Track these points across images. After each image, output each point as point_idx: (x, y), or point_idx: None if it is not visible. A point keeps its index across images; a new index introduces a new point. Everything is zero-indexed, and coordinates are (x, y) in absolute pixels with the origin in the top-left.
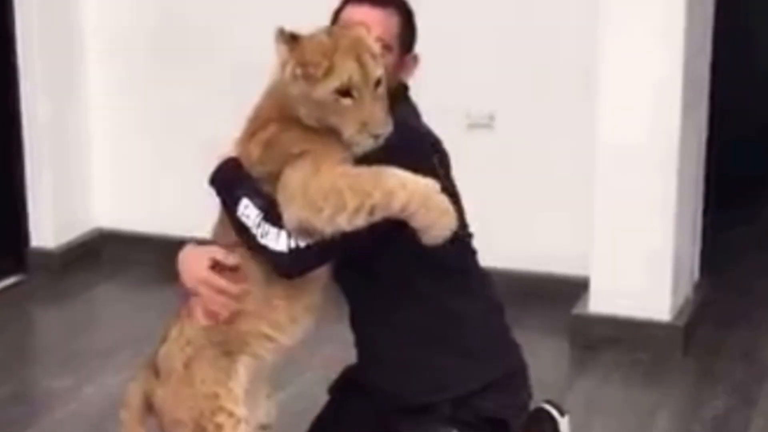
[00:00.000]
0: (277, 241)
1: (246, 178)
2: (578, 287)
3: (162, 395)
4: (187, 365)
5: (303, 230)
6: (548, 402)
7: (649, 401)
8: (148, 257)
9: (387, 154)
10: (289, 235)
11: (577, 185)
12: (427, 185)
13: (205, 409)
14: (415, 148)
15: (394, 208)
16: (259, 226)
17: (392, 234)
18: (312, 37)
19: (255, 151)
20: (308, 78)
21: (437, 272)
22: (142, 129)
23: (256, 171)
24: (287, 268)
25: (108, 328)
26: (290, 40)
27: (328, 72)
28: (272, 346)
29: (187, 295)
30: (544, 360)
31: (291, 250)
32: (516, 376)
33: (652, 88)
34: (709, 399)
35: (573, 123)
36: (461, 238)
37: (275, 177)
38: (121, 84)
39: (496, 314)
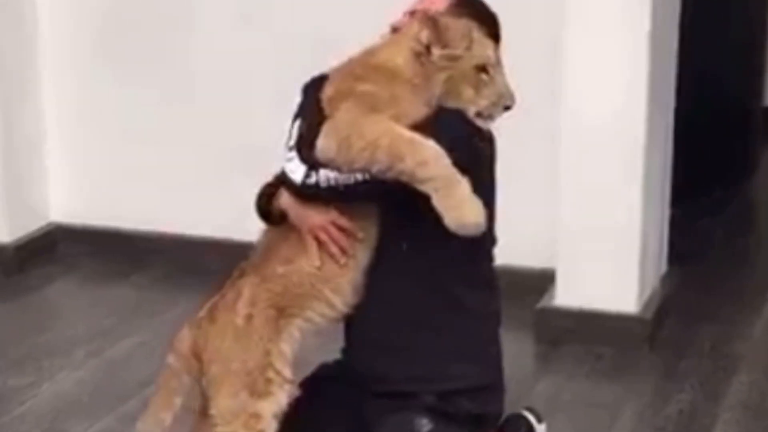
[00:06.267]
0: (296, 171)
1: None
2: (544, 280)
3: (217, 347)
4: (248, 319)
5: (326, 161)
6: (527, 408)
7: (614, 395)
8: (105, 252)
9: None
10: (307, 173)
11: (543, 176)
12: (457, 175)
13: (258, 363)
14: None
15: (419, 177)
16: (290, 148)
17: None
18: (445, 17)
19: (329, 90)
20: (451, 56)
21: (465, 269)
22: (97, 122)
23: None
24: (295, 195)
25: (64, 324)
26: (428, 21)
27: (469, 48)
28: (328, 312)
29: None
30: (508, 354)
31: (303, 185)
32: (500, 385)
33: (617, 77)
34: (676, 393)
35: (536, 114)
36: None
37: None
38: (76, 76)
39: (498, 324)
